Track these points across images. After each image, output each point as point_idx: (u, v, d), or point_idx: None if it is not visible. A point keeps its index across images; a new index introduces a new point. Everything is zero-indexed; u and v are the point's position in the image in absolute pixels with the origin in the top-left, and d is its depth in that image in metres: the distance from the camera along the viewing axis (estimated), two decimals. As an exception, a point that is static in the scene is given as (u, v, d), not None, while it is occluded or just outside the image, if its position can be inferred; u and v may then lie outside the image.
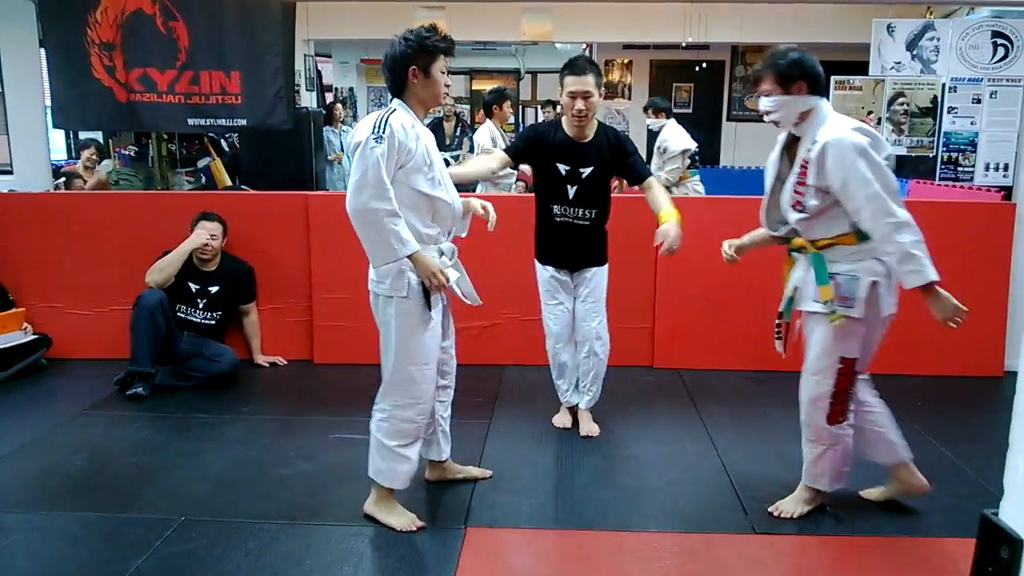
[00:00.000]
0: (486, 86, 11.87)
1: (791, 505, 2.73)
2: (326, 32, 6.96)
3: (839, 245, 2.50)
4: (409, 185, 2.49)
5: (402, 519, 2.65)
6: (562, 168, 3.25)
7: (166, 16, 4.56)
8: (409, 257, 2.45)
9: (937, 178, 4.63)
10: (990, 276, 4.27)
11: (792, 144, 2.61)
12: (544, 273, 3.45)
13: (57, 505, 2.83)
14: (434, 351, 2.63)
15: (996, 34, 4.35)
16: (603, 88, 3.34)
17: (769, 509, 2.73)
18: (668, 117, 6.33)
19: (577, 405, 3.55)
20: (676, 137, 6.15)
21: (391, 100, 2.60)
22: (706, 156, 9.00)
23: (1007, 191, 4.50)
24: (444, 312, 2.74)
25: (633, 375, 4.21)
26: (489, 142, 5.55)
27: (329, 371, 4.33)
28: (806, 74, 2.46)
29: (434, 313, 2.58)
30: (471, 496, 2.88)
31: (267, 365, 4.36)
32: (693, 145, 6.17)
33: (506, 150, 3.41)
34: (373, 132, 2.40)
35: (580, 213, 3.30)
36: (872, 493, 2.85)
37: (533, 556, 2.56)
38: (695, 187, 6.26)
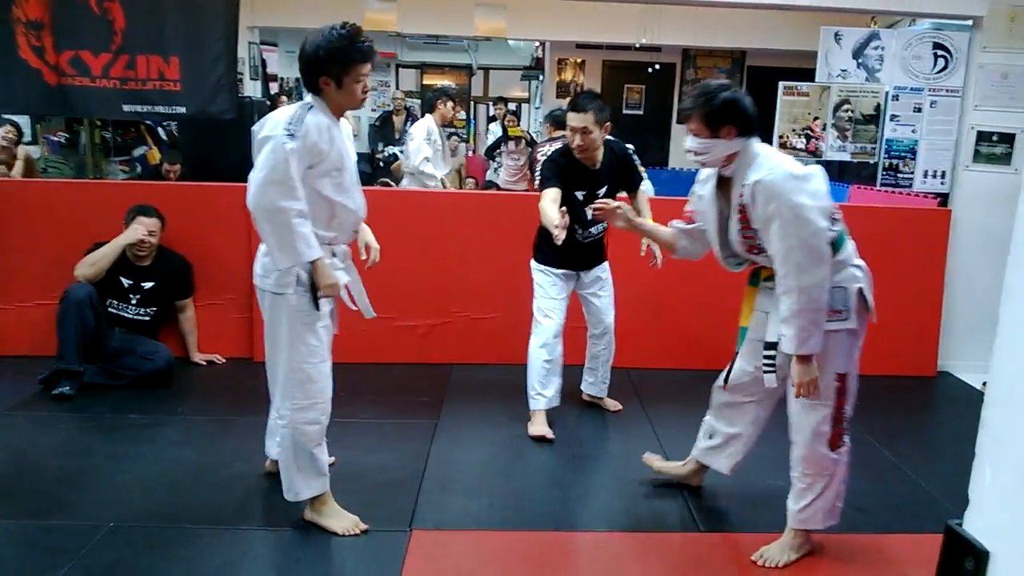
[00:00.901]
0: (437, 81, 11.78)
1: (777, 553, 2.49)
2: (272, 20, 6.79)
3: None
4: (314, 187, 2.38)
5: (344, 522, 2.56)
6: (579, 195, 3.38)
7: (101, -4, 4.36)
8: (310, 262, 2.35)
9: (878, 183, 4.74)
10: (926, 279, 4.40)
11: (723, 181, 2.49)
12: (552, 274, 3.51)
13: (-27, 511, 2.66)
14: (328, 346, 2.53)
15: (937, 45, 4.47)
16: (608, 123, 3.37)
17: (752, 557, 2.48)
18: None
19: (595, 395, 3.80)
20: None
21: (306, 95, 2.47)
22: (656, 158, 9.09)
23: (944, 198, 4.63)
24: (333, 305, 2.62)
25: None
26: (424, 134, 5.49)
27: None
28: (737, 117, 2.33)
29: (324, 303, 2.47)
30: (416, 497, 2.82)
31: (204, 363, 4.20)
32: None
33: (554, 183, 3.33)
34: (286, 128, 2.29)
35: (597, 230, 3.50)
36: (664, 466, 2.95)
37: (480, 558, 2.51)
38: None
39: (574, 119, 3.29)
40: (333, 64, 2.37)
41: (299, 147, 2.29)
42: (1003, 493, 0.78)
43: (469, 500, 2.83)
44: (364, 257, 2.78)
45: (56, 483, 2.88)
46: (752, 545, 2.55)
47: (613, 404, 3.82)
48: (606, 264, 3.66)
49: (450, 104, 5.70)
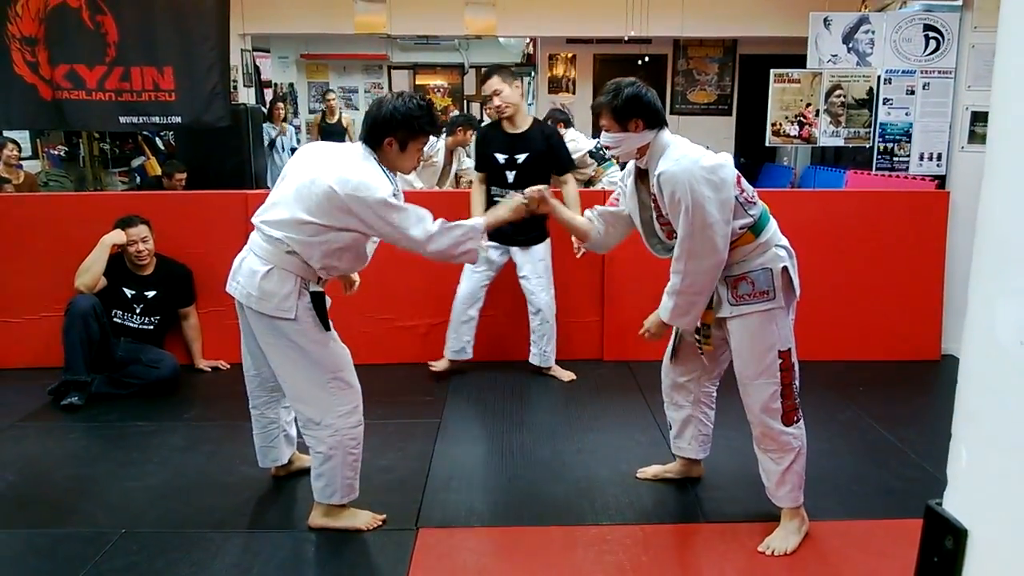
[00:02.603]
0: (429, 81, 11.79)
1: (781, 540, 2.50)
2: (263, 26, 6.80)
3: (739, 247, 2.45)
4: (358, 241, 2.45)
5: (362, 518, 2.61)
6: (500, 157, 3.73)
7: (93, 10, 4.37)
8: None
9: (874, 168, 4.74)
10: (926, 262, 4.40)
11: (642, 173, 2.60)
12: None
13: (-13, 523, 2.70)
14: (346, 349, 2.59)
15: (928, 27, 4.47)
16: (516, 81, 3.78)
17: (759, 549, 2.49)
18: (567, 127, 6.43)
19: (541, 366, 4.08)
20: (579, 142, 6.27)
21: (364, 148, 2.47)
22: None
23: (941, 180, 4.63)
24: None
25: (583, 368, 4.22)
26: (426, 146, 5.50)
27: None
28: (642, 111, 2.44)
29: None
30: (422, 496, 2.85)
31: (209, 369, 4.24)
32: (591, 144, 6.29)
33: (477, 164, 3.90)
34: (394, 193, 2.39)
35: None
36: (649, 472, 2.99)
37: (486, 554, 2.54)
38: (608, 179, 6.38)
39: (485, 88, 3.78)
40: (404, 129, 2.43)
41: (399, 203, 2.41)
42: (978, 471, 0.80)
43: (474, 497, 2.86)
44: (347, 291, 2.93)
45: (68, 492, 2.92)
46: (758, 534, 2.57)
47: (565, 374, 4.08)
48: (541, 248, 3.90)
49: (469, 133, 5.75)
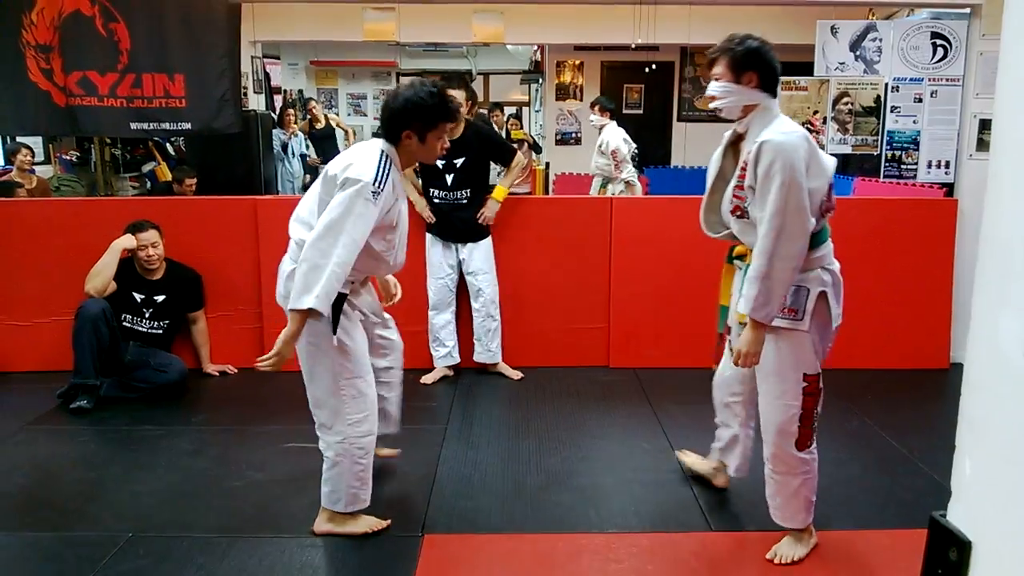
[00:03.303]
0: (439, 87, 11.82)
1: (788, 548, 2.50)
2: (273, 33, 6.84)
3: None
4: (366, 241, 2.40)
5: (365, 523, 2.62)
6: (439, 163, 3.88)
7: (106, 18, 4.42)
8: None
9: (881, 176, 4.73)
10: (935, 270, 4.39)
11: (737, 143, 2.47)
12: (434, 251, 4.08)
13: (-4, 526, 2.72)
14: (367, 357, 2.58)
15: (935, 35, 4.46)
16: (471, 100, 4.18)
17: (767, 556, 2.50)
18: (612, 118, 6.47)
19: (487, 363, 4.23)
20: (614, 138, 6.36)
21: (384, 143, 2.45)
22: (657, 156, 9.09)
23: (949, 187, 4.62)
24: (369, 312, 2.70)
25: (589, 375, 4.22)
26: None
27: (281, 379, 4.19)
28: (760, 66, 2.32)
29: (353, 321, 2.53)
30: (428, 502, 2.85)
31: (217, 374, 4.26)
32: (627, 147, 6.38)
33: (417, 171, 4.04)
34: (375, 183, 2.30)
35: (457, 195, 3.99)
36: (691, 461, 3.01)
37: (492, 561, 2.54)
38: (626, 178, 6.43)
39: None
40: (421, 118, 2.41)
41: (378, 210, 2.33)
42: (982, 483, 0.80)
43: (480, 504, 2.86)
44: (388, 301, 2.88)
45: (76, 495, 2.94)
46: (765, 543, 2.57)
47: (512, 372, 4.23)
48: (485, 243, 4.08)
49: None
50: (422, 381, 4.13)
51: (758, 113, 2.35)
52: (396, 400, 2.95)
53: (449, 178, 3.96)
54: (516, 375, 4.22)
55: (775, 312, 2.27)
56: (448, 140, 3.73)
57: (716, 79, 2.38)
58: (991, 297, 0.79)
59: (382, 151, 2.41)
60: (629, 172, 6.44)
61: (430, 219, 3.99)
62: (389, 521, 2.65)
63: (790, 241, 2.20)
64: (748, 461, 2.81)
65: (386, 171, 2.36)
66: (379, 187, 2.32)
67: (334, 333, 2.45)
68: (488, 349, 4.20)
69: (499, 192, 4.06)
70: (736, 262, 2.55)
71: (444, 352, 4.18)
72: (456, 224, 4.03)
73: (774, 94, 2.36)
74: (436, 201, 4.01)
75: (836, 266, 2.41)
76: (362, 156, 2.39)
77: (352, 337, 2.52)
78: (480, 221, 4.01)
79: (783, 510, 2.49)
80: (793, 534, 2.52)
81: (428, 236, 4.10)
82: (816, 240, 2.30)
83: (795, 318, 2.31)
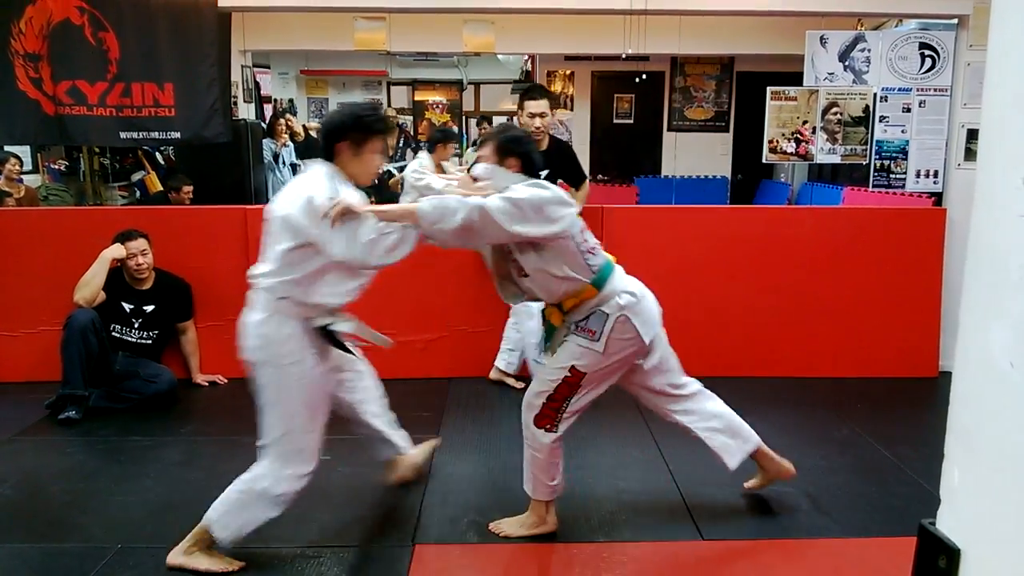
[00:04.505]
0: (429, 97, 11.85)
1: (509, 526, 2.72)
2: (264, 43, 6.84)
3: (585, 301, 2.51)
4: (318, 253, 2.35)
5: (220, 562, 2.47)
6: None
7: (95, 27, 4.40)
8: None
9: (871, 185, 4.76)
10: (923, 279, 4.42)
11: None
12: None
13: (-18, 538, 2.69)
14: (323, 415, 2.49)
15: (923, 45, 4.51)
16: (554, 108, 4.09)
17: (490, 527, 2.71)
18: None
19: (512, 373, 4.26)
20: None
21: (323, 164, 2.41)
22: (647, 166, 9.14)
23: (938, 197, 4.66)
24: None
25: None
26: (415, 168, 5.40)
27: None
28: (520, 153, 2.54)
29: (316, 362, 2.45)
30: (419, 512, 2.84)
31: (207, 384, 4.24)
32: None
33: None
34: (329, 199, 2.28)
35: None
36: (752, 483, 2.93)
37: (483, 571, 2.53)
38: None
39: (534, 105, 3.95)
40: (355, 131, 2.40)
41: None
42: (970, 491, 0.80)
43: (471, 513, 2.85)
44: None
45: (64, 506, 2.91)
46: (756, 552, 2.57)
47: (516, 383, 4.20)
48: None
49: (450, 146, 5.77)
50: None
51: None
52: (384, 424, 2.89)
53: None
54: (520, 385, 4.18)
55: (444, 234, 2.34)
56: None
57: (483, 160, 2.58)
58: (980, 307, 0.80)
59: (323, 172, 2.39)
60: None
61: None
62: (242, 563, 2.49)
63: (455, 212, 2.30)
64: (734, 438, 2.81)
65: (334, 187, 2.33)
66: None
67: (347, 351, 2.50)
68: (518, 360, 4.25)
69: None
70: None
71: (505, 360, 4.26)
72: None
73: (532, 176, 2.53)
74: None
75: (634, 286, 2.57)
76: (309, 184, 2.35)
77: (317, 384, 2.45)
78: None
79: (525, 477, 2.70)
80: (526, 515, 2.70)
81: None
82: (600, 279, 2.51)
83: (592, 338, 2.52)
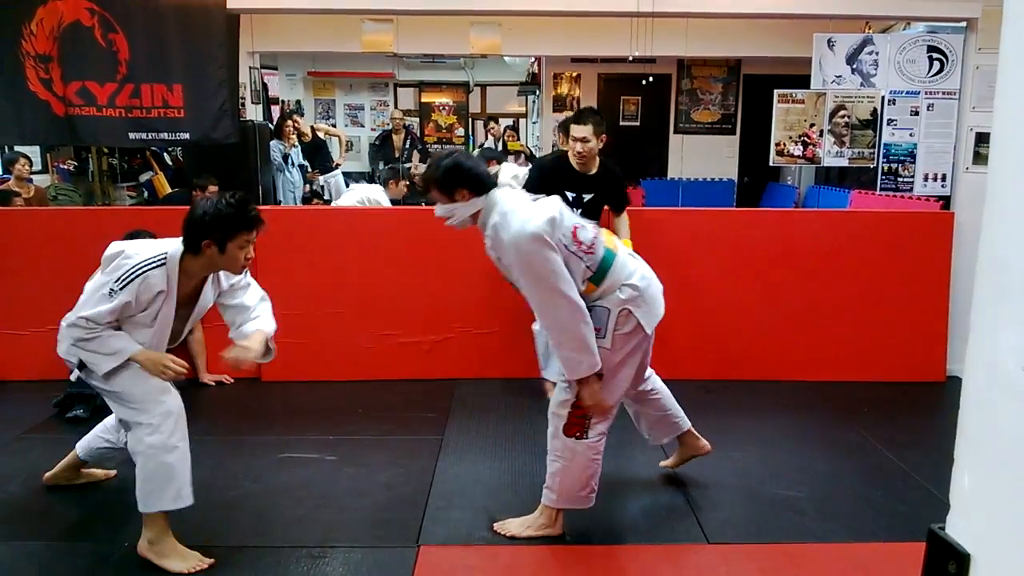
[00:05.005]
0: (435, 99, 11.85)
1: (517, 526, 2.71)
2: (272, 44, 6.85)
3: (585, 296, 2.49)
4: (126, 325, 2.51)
5: (187, 561, 2.49)
6: (569, 194, 3.84)
7: (105, 28, 4.43)
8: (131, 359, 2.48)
9: (878, 188, 4.75)
10: (931, 283, 4.40)
11: None
12: None
13: (-10, 536, 2.70)
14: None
15: (932, 48, 4.49)
16: (603, 134, 3.86)
17: (495, 527, 2.72)
18: (500, 164, 6.48)
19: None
20: (505, 174, 6.27)
21: (181, 247, 2.50)
22: (653, 169, 9.13)
23: (946, 200, 4.64)
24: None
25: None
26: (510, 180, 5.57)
27: (277, 389, 4.24)
28: (464, 180, 2.50)
29: None
30: (424, 513, 2.85)
31: (213, 384, 4.25)
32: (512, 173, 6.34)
33: (525, 187, 3.91)
34: (119, 281, 2.40)
35: None
36: (667, 463, 3.12)
37: (488, 573, 2.52)
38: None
39: (577, 130, 3.81)
40: (219, 229, 2.43)
41: (119, 303, 2.44)
42: (981, 496, 0.80)
43: (476, 515, 2.85)
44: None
45: (71, 505, 2.93)
46: (762, 556, 2.57)
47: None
48: None
49: (401, 183, 6.20)
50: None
51: (484, 213, 2.53)
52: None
53: (577, 212, 3.88)
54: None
55: (592, 363, 2.44)
56: (579, 170, 3.86)
57: (437, 202, 2.58)
58: (990, 312, 0.79)
59: (165, 254, 2.48)
60: None
61: None
62: (212, 560, 2.51)
63: (556, 311, 2.40)
64: (666, 421, 3.01)
65: (140, 273, 2.42)
66: (120, 285, 2.41)
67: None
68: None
69: (628, 244, 3.71)
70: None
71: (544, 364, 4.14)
72: None
73: (486, 191, 2.52)
74: None
75: (638, 276, 2.55)
76: (146, 248, 2.50)
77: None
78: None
79: (549, 490, 2.66)
80: (534, 515, 2.70)
81: None
82: (598, 275, 2.49)
83: (598, 336, 2.49)
